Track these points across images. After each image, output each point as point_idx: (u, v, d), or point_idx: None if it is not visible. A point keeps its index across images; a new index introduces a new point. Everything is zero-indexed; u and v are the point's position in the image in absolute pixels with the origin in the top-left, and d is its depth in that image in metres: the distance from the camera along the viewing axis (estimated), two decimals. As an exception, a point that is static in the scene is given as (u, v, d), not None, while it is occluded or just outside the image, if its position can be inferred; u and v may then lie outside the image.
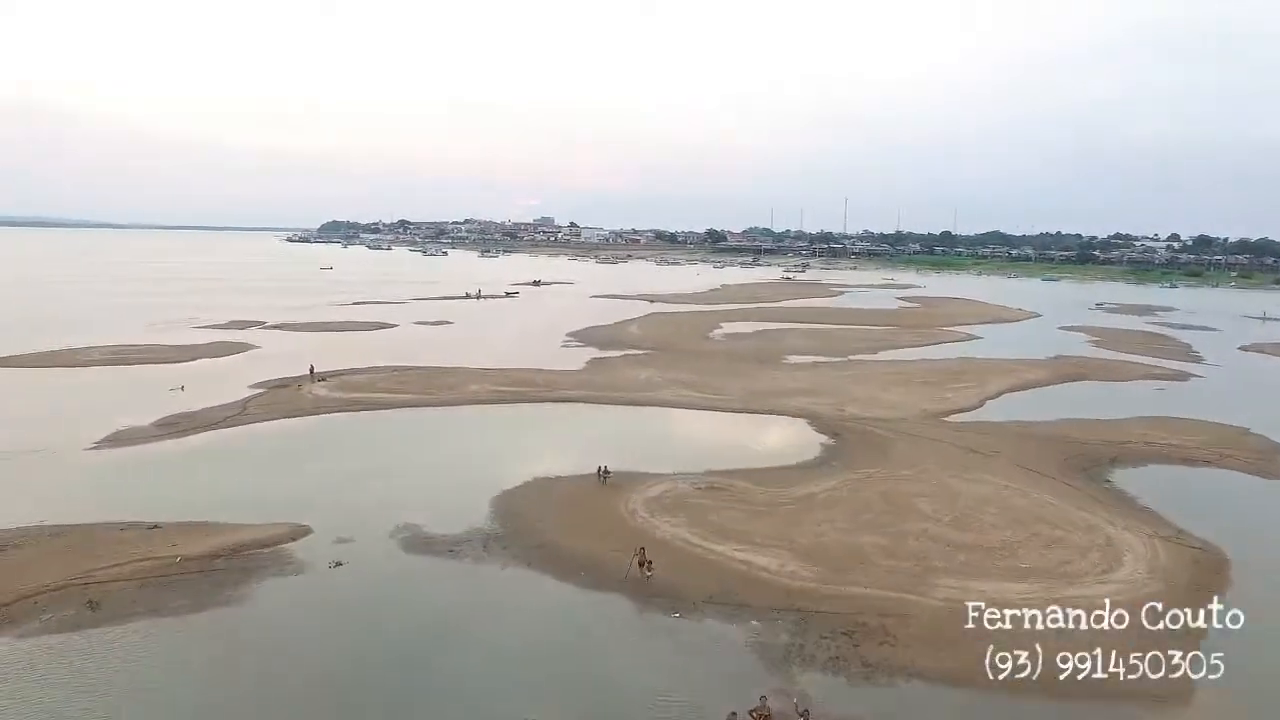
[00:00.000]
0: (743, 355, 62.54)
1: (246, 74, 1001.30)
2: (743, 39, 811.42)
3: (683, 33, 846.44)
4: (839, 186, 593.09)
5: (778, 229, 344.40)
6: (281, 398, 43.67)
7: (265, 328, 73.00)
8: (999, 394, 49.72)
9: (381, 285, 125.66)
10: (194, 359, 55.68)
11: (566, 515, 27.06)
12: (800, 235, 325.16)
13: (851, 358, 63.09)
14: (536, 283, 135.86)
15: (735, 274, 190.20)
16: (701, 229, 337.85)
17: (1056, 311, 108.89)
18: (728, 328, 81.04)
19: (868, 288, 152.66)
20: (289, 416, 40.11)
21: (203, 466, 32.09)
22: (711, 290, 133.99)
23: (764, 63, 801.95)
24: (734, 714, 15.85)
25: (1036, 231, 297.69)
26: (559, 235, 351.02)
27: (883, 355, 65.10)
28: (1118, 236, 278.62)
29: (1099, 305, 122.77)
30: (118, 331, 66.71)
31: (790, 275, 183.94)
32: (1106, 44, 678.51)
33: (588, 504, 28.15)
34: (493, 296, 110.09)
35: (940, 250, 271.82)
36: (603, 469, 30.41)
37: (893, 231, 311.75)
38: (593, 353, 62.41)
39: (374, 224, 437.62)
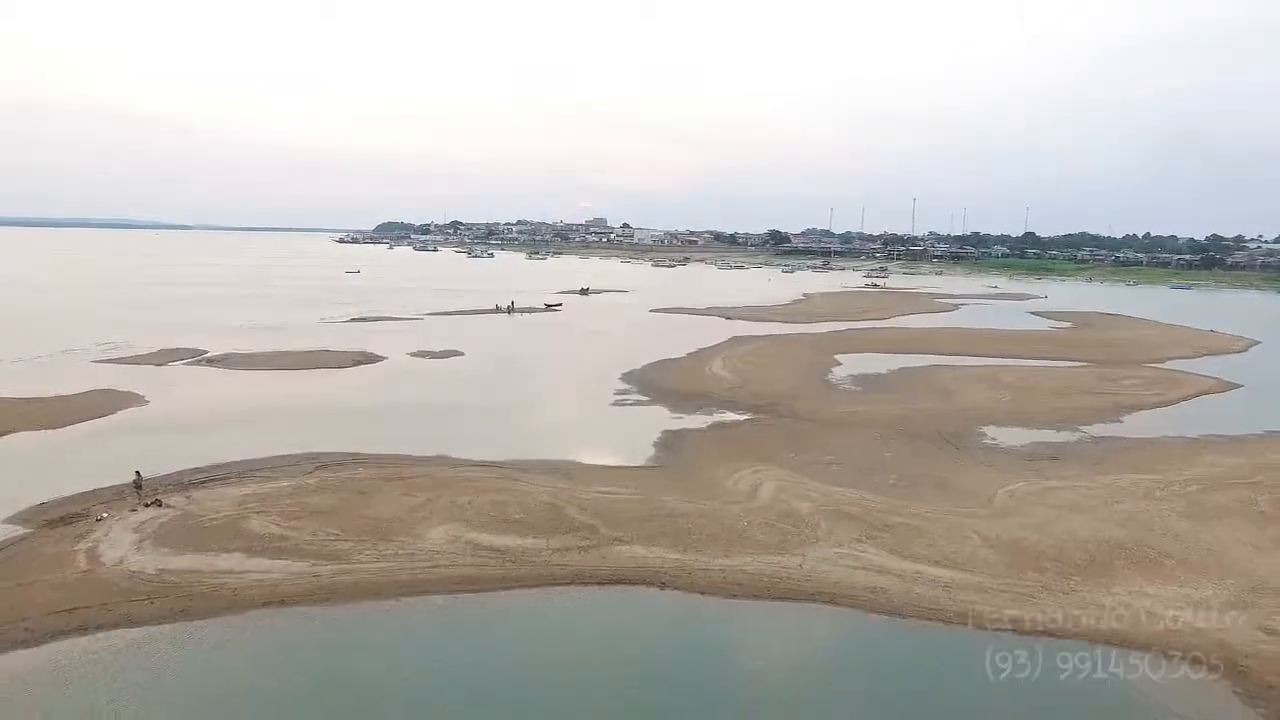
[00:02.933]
0: (910, 427, 37.04)
1: (312, 78, 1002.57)
2: (803, 37, 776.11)
3: (742, 34, 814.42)
4: (897, 186, 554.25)
5: (837, 230, 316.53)
6: (19, 565, 20.12)
7: (195, 362, 50.27)
8: None
9: (403, 294, 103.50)
10: (5, 433, 32.82)
11: None
12: (869, 237, 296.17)
13: (1087, 430, 37.16)
14: (584, 291, 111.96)
15: (812, 280, 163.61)
16: (757, 230, 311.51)
17: (1271, 334, 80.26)
18: (849, 363, 55.56)
19: (978, 298, 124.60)
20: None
21: None
22: (795, 302, 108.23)
23: (822, 61, 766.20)
24: None
25: (1119, 234, 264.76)
26: (611, 236, 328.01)
27: (1139, 426, 38.79)
28: (1214, 238, 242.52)
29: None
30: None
31: (876, 282, 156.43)
32: (1187, 37, 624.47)
33: None
34: (529, 310, 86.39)
35: (1032, 253, 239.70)
36: None
37: (964, 233, 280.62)
38: (663, 419, 37.85)
39: (426, 225, 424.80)
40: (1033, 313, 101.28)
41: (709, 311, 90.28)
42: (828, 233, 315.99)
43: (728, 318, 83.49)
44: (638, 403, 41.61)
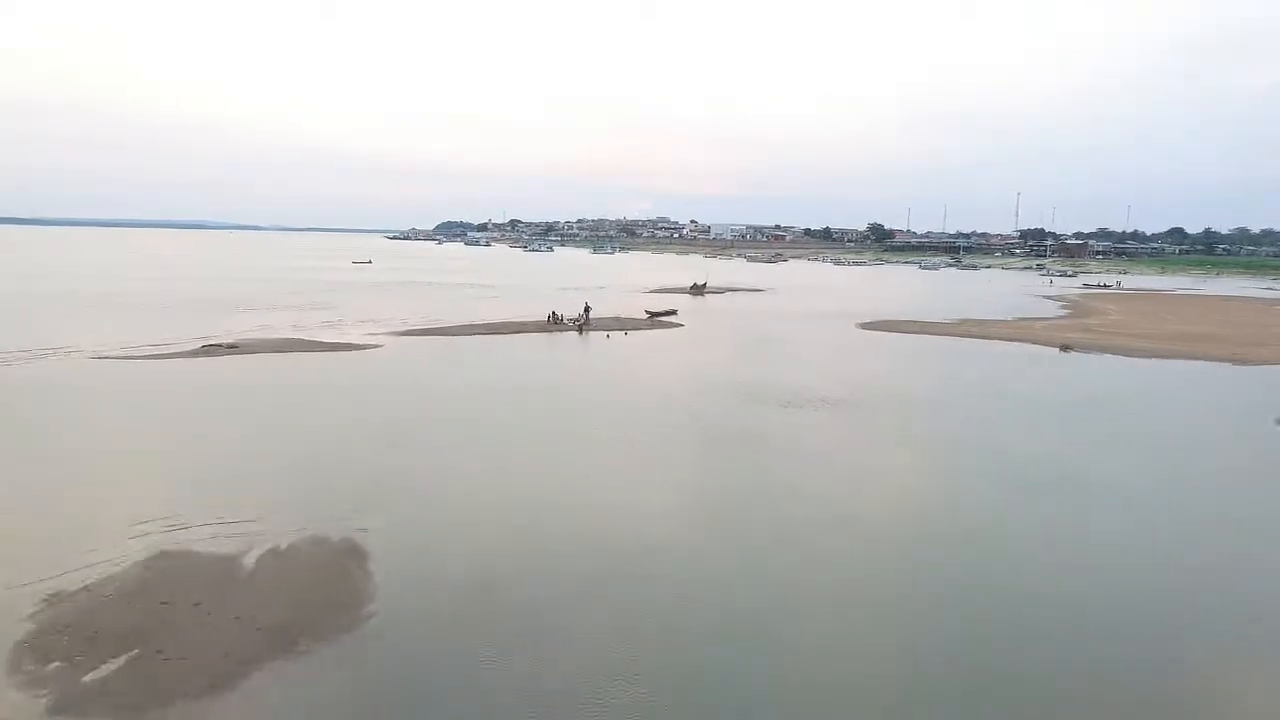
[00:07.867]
0: None
1: (383, 87, 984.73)
2: (851, 33, 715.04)
3: (786, 30, 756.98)
4: (949, 185, 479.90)
5: (918, 229, 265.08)
6: None
7: None
8: None
9: (403, 291, 59.70)
10: None
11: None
12: (983, 234, 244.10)
13: None
14: (698, 290, 65.80)
15: (982, 282, 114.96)
16: (811, 227, 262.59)
17: None
18: None
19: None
20: None
21: None
22: (1070, 314, 60.33)
23: (874, 57, 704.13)
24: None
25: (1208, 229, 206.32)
26: (684, 231, 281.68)
27: None
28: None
29: None
30: None
31: (1109, 284, 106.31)
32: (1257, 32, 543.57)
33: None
34: (618, 326, 40.65)
35: (1221, 249, 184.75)
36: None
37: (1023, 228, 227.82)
38: None
39: (484, 223, 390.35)
40: None
41: (966, 331, 43.62)
42: (909, 232, 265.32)
43: (1063, 347, 36.44)
44: None
